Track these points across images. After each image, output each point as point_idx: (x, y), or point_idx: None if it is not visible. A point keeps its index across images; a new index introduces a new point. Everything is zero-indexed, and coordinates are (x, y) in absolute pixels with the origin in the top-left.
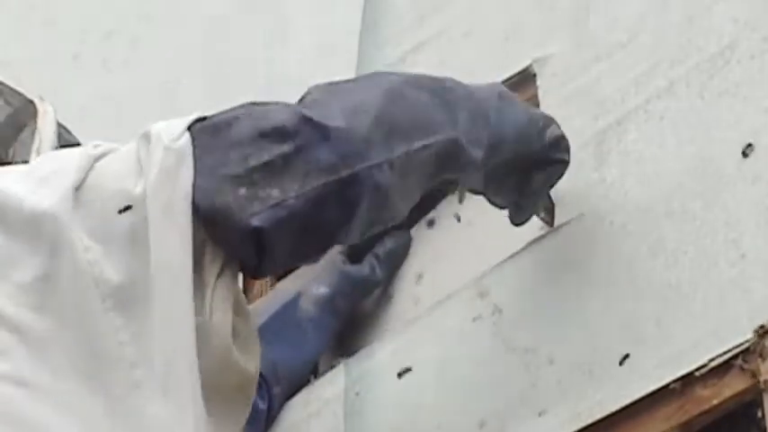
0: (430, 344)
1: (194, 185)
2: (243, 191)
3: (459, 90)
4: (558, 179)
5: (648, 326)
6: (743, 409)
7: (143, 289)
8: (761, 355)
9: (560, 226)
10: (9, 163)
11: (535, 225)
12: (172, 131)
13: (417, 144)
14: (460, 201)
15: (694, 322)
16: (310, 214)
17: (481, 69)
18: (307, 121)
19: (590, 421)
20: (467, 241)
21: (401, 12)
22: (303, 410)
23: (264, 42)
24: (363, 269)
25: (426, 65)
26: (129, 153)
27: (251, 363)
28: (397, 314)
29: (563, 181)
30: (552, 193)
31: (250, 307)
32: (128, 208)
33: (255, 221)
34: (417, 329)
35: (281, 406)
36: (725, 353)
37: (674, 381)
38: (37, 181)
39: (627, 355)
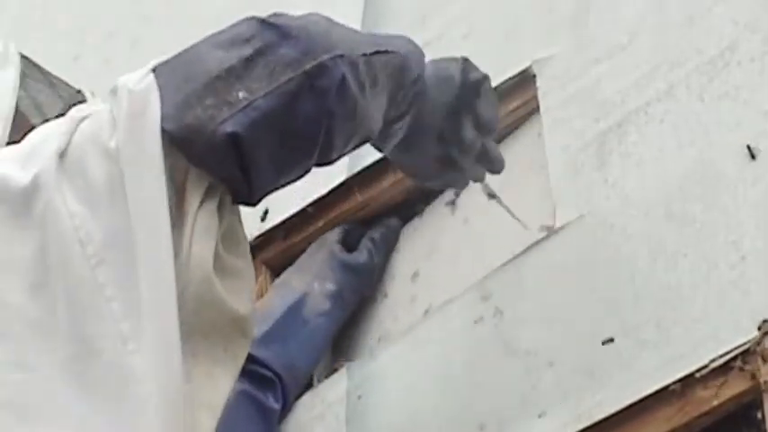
0: (432, 346)
1: (163, 116)
2: (209, 101)
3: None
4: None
5: (649, 327)
6: (743, 410)
7: (125, 239)
8: (760, 358)
9: (561, 228)
10: None
11: (536, 227)
12: (135, 77)
13: (373, 50)
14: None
15: (694, 324)
16: (283, 112)
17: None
18: (265, 25)
19: (590, 423)
20: (461, 238)
21: (401, 12)
22: (306, 414)
23: None
24: (362, 255)
25: None
26: (103, 110)
27: (240, 303)
28: (394, 314)
29: (563, 182)
30: (552, 193)
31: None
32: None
33: (228, 127)
34: (419, 332)
35: (292, 404)
36: (725, 354)
37: (675, 382)
38: (25, 156)
39: (611, 339)
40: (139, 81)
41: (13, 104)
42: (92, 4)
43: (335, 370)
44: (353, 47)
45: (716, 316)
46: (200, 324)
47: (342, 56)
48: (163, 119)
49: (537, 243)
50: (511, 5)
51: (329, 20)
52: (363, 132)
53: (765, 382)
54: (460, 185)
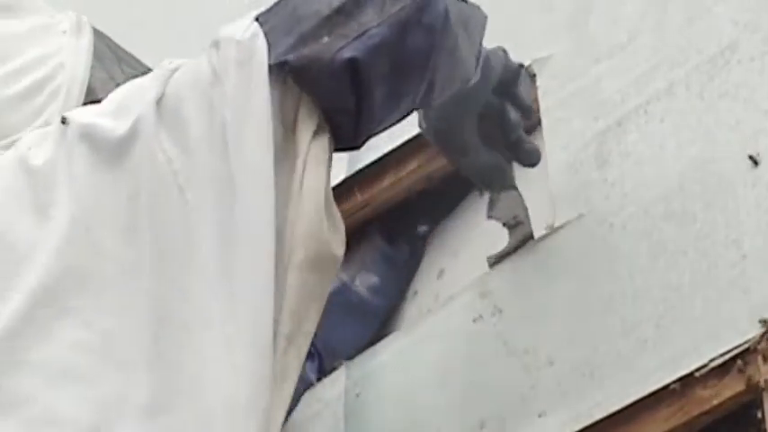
0: (431, 344)
1: (276, 55)
2: (325, 38)
3: None
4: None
5: (648, 327)
6: (743, 409)
7: (225, 186)
8: (760, 357)
9: (560, 227)
10: None
11: (537, 225)
12: (239, 28)
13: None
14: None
15: (694, 323)
16: (396, 41)
17: None
18: None
19: (590, 422)
20: (489, 237)
21: None
22: (304, 411)
23: None
24: (403, 250)
25: None
26: (201, 62)
27: (338, 246)
28: (419, 308)
29: (563, 181)
30: (552, 193)
31: None
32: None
33: (347, 53)
34: (418, 330)
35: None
36: (725, 353)
37: (674, 381)
38: (116, 109)
39: None
40: (245, 30)
41: (88, 72)
42: (91, 6)
43: (334, 368)
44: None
45: (716, 315)
46: (304, 258)
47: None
48: (276, 57)
49: (537, 241)
50: (511, 5)
51: None
52: (462, 74)
53: (765, 381)
54: (497, 176)
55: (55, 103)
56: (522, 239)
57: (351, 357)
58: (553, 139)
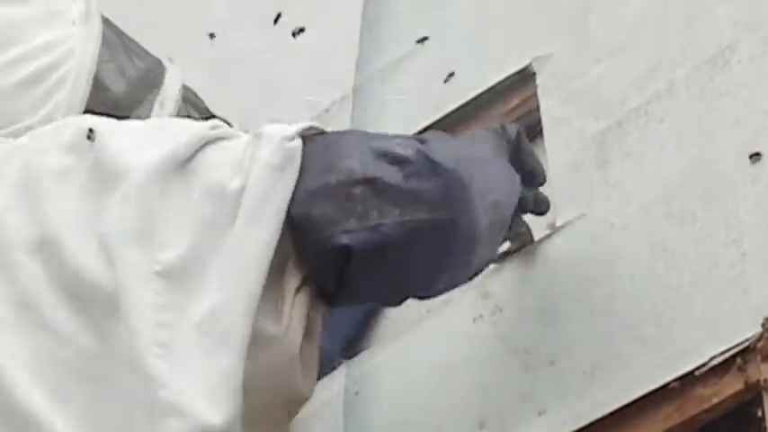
0: (430, 344)
1: (294, 195)
2: (341, 204)
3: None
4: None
5: (648, 326)
6: (742, 408)
7: (200, 270)
8: (760, 356)
9: (561, 227)
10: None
11: (537, 225)
12: (285, 132)
13: (499, 196)
14: None
15: (694, 322)
16: (404, 247)
17: (481, 69)
18: (420, 152)
19: (590, 421)
20: None
21: (401, 11)
22: (303, 410)
23: (264, 42)
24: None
25: (426, 65)
26: (236, 147)
27: (307, 388)
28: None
29: (564, 181)
30: (552, 192)
31: None
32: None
33: (345, 239)
34: (418, 329)
35: None
36: (724, 352)
37: (674, 380)
38: (145, 141)
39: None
40: (289, 139)
41: (96, 61)
42: None
43: (333, 367)
44: (486, 194)
45: (716, 314)
46: (272, 404)
47: (476, 215)
48: (293, 198)
49: (538, 241)
50: (511, 5)
51: (481, 158)
52: (474, 271)
53: (765, 380)
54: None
55: (62, 91)
56: (521, 244)
57: (351, 357)
58: (554, 138)
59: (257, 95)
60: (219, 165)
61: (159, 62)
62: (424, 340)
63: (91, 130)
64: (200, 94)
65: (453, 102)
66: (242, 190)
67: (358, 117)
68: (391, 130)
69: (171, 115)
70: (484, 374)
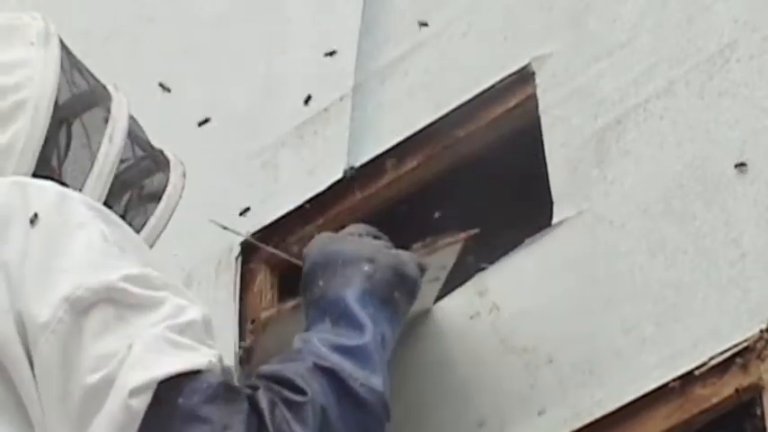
0: (429, 342)
1: None
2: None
3: None
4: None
5: (648, 325)
6: (742, 407)
7: None
8: (759, 355)
9: (560, 224)
10: (70, 134)
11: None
12: (139, 378)
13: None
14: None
15: (694, 321)
16: None
17: (480, 68)
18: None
19: (590, 420)
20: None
21: (401, 11)
22: None
23: (264, 42)
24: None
25: (426, 64)
26: None
27: None
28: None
29: (563, 179)
30: (551, 189)
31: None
32: None
33: None
34: (416, 327)
35: None
36: (724, 352)
37: (674, 380)
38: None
39: None
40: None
41: (56, 82)
42: (92, 5)
43: None
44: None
45: (715, 313)
46: None
47: None
48: None
49: (535, 239)
50: (511, 4)
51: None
52: None
53: (764, 379)
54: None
55: (21, 119)
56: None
57: None
58: (552, 136)
59: (257, 96)
60: None
61: (103, 88)
62: (422, 338)
63: (36, 215)
64: (201, 94)
65: (453, 101)
66: None
67: (358, 117)
68: (391, 130)
69: (119, 149)
70: (482, 373)
